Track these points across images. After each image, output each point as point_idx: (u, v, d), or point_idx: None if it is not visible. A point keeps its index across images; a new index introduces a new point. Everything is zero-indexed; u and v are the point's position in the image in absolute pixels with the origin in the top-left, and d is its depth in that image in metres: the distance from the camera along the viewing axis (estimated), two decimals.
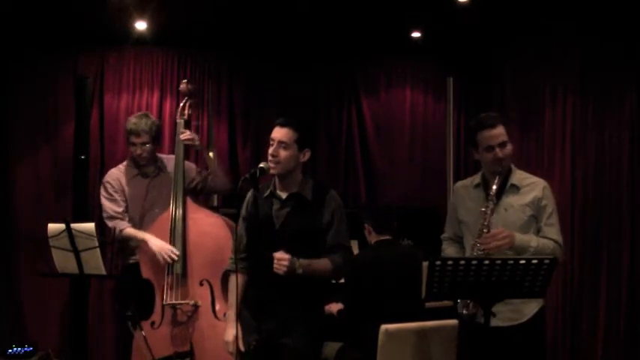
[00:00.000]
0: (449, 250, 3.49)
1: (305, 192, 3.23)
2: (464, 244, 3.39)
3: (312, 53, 5.89)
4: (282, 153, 3.15)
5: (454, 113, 6.04)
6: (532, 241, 3.13)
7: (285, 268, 3.02)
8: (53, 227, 3.68)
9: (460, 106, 6.10)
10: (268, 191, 3.23)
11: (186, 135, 4.08)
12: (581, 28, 4.96)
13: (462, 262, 2.71)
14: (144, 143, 4.14)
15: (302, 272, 3.06)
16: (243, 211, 3.31)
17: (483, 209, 3.16)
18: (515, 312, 3.18)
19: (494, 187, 3.16)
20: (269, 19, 5.19)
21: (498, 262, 2.71)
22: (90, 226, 3.65)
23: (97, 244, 3.63)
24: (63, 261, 3.73)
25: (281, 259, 3.03)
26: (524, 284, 2.76)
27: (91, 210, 5.33)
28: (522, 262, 2.71)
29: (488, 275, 2.71)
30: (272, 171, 3.16)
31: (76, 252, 3.65)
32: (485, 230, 3.12)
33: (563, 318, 4.99)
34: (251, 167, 3.26)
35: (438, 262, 2.70)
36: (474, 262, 2.72)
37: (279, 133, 3.17)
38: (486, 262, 2.71)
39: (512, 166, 3.30)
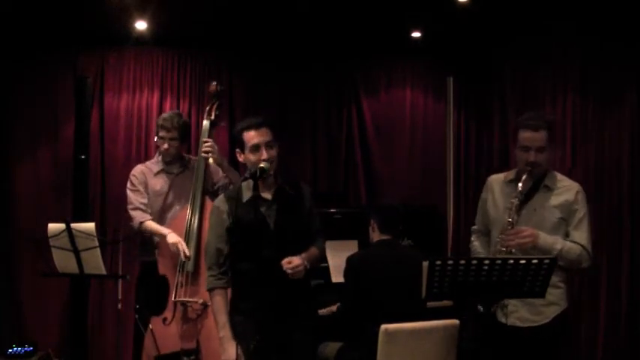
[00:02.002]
0: (476, 243, 3.49)
1: (286, 186, 3.24)
2: (491, 238, 3.37)
3: (312, 53, 5.89)
4: (272, 153, 3.15)
5: (454, 113, 6.04)
6: (557, 243, 3.11)
7: (301, 273, 3.08)
8: (53, 227, 3.68)
9: (460, 106, 6.10)
10: (250, 195, 3.15)
11: (208, 144, 4.08)
12: (581, 28, 4.96)
13: (462, 262, 2.71)
14: (172, 139, 4.20)
15: (309, 266, 3.13)
16: (222, 224, 3.20)
17: (509, 205, 3.15)
18: (535, 314, 3.17)
19: (520, 184, 3.14)
20: (269, 19, 5.19)
21: (498, 262, 2.71)
22: (90, 226, 3.66)
23: (97, 243, 3.64)
24: (63, 261, 3.73)
25: (295, 265, 3.05)
26: (524, 284, 2.76)
27: (91, 210, 5.35)
28: (522, 262, 2.71)
29: (489, 275, 2.71)
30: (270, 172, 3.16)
31: (76, 252, 3.65)
32: (509, 227, 3.10)
33: None
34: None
35: (438, 262, 2.70)
36: (474, 262, 2.72)
37: (263, 135, 3.13)
38: (486, 262, 2.71)
39: (550, 169, 3.28)
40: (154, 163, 4.34)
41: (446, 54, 6.06)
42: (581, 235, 3.19)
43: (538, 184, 3.23)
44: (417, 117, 6.14)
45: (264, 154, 3.11)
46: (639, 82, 4.72)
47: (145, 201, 4.21)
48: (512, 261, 2.71)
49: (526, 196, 3.18)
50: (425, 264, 2.72)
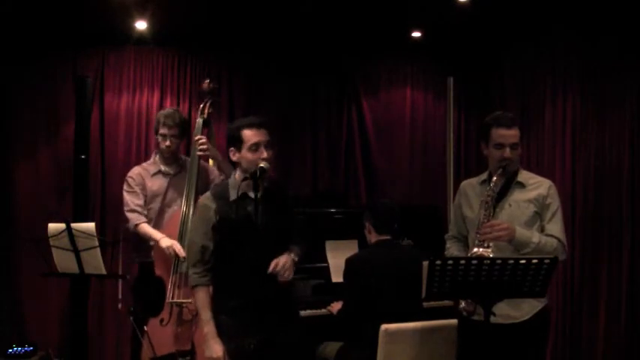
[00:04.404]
0: (452, 248, 3.49)
1: (270, 187, 3.22)
2: (468, 242, 3.39)
3: (313, 53, 5.89)
4: (271, 153, 3.14)
5: (454, 113, 6.04)
6: (534, 237, 3.13)
7: (292, 270, 3.10)
8: (53, 227, 3.68)
9: (460, 106, 6.11)
10: (238, 194, 3.15)
11: (201, 141, 4.14)
12: (582, 28, 4.96)
13: (462, 261, 2.71)
14: (173, 136, 4.21)
15: (297, 260, 3.17)
16: (208, 222, 3.17)
17: (484, 199, 3.17)
18: (517, 309, 3.17)
19: (495, 177, 3.19)
20: (270, 19, 5.19)
21: (498, 261, 2.71)
22: (90, 225, 3.65)
23: (97, 243, 3.63)
24: (63, 261, 3.73)
25: (283, 263, 3.07)
26: (524, 284, 2.76)
27: (91, 210, 5.34)
28: (523, 261, 2.71)
29: (489, 275, 2.71)
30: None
31: (77, 252, 3.65)
32: (485, 220, 3.12)
33: (563, 318, 4.99)
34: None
35: (439, 262, 2.70)
36: (474, 261, 2.72)
37: (262, 135, 3.11)
38: (487, 261, 2.71)
39: (520, 167, 3.33)
40: (151, 164, 4.33)
41: (446, 54, 6.07)
42: (556, 228, 3.22)
43: (511, 180, 3.28)
44: (417, 117, 6.15)
45: (264, 154, 3.10)
46: (639, 82, 4.71)
47: (141, 202, 4.21)
48: (512, 261, 2.71)
49: (500, 193, 3.22)
50: (425, 264, 2.72)
